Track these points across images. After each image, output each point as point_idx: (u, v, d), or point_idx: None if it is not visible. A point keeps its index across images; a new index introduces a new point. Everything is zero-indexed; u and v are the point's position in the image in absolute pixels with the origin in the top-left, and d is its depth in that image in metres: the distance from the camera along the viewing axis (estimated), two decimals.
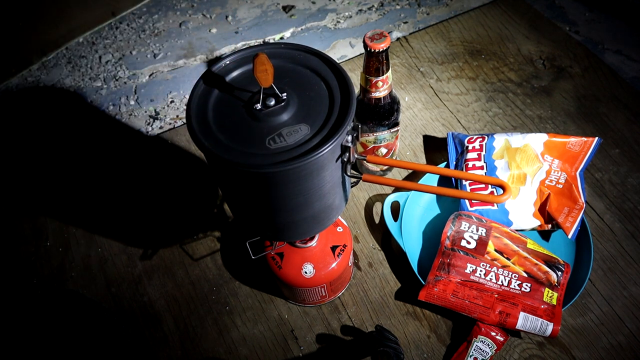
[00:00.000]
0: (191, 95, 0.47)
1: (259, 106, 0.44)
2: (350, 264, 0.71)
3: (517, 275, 0.69)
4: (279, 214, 0.51)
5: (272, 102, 0.44)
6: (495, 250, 0.71)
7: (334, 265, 0.66)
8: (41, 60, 1.12)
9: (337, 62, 0.49)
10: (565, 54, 1.01)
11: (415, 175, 0.85)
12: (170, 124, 1.00)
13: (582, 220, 0.74)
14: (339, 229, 0.69)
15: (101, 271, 0.80)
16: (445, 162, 0.83)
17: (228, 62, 0.50)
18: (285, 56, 0.50)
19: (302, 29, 1.14)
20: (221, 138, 0.44)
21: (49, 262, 0.81)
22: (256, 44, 1.12)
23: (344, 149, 0.46)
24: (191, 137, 0.44)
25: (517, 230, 0.75)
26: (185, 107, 1.01)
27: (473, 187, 0.77)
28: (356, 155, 0.49)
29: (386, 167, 0.85)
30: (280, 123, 0.45)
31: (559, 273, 0.69)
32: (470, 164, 0.80)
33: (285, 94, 0.45)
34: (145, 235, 0.83)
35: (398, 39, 1.07)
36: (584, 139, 0.80)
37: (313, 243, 0.65)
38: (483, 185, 0.77)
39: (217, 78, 0.49)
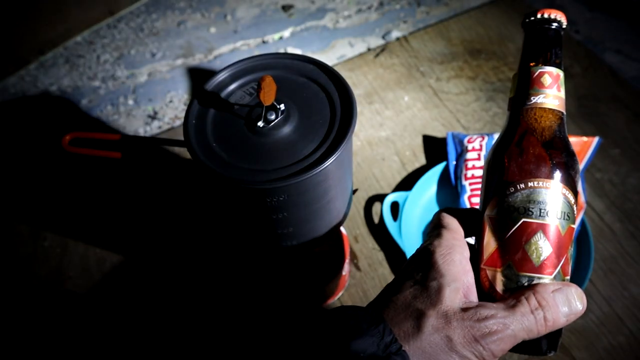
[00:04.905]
0: (187, 117, 0.46)
1: (261, 124, 0.44)
2: (344, 273, 0.70)
3: None
4: (286, 227, 0.50)
5: (273, 116, 0.44)
6: None
7: None
8: (39, 60, 1.12)
9: (336, 62, 0.48)
10: (565, 53, 1.00)
11: (415, 175, 0.85)
12: (168, 123, 1.00)
13: (582, 221, 0.74)
14: None
15: (99, 272, 0.80)
16: (445, 162, 0.83)
17: (222, 77, 0.49)
18: (281, 66, 0.49)
19: (301, 29, 1.14)
20: (224, 157, 0.43)
21: (46, 262, 0.81)
22: (255, 43, 1.12)
23: None
24: (193, 159, 0.43)
25: None
26: (184, 107, 1.01)
27: (473, 187, 0.77)
28: None
29: None
30: (282, 136, 0.44)
31: None
32: (470, 164, 0.79)
33: (283, 105, 0.45)
34: (145, 236, 0.83)
35: (398, 38, 1.07)
36: (584, 138, 0.79)
37: None
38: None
39: (212, 95, 0.48)
